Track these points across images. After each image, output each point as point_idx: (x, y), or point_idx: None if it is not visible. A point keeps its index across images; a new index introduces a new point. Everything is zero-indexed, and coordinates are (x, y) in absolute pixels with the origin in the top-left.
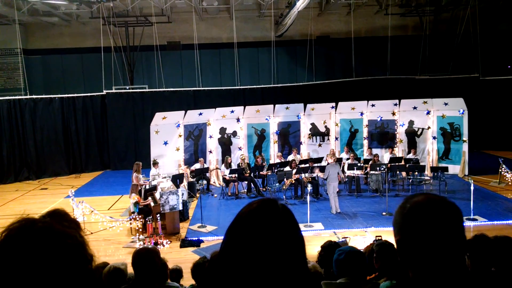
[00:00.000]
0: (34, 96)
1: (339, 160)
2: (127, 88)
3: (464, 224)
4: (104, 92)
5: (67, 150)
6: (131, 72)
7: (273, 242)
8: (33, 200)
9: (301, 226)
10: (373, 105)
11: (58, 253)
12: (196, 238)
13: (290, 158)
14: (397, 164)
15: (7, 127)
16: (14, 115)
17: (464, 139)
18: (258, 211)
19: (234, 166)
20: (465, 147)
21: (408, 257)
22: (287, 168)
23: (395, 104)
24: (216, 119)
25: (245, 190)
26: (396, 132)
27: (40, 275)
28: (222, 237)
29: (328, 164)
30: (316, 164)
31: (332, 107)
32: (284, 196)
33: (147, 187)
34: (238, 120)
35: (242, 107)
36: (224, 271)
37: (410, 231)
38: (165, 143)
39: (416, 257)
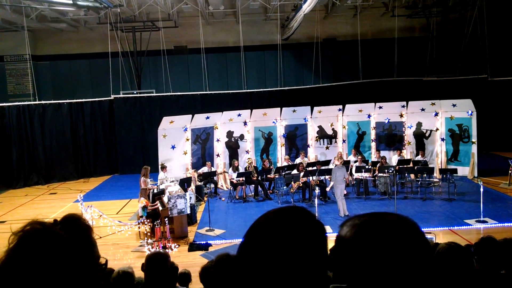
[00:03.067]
0: (43, 102)
1: (346, 163)
2: (135, 92)
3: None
4: (112, 97)
5: (75, 154)
6: (139, 77)
7: (296, 252)
8: (42, 204)
9: None
10: (380, 107)
11: (57, 258)
12: (204, 242)
13: (297, 161)
14: (405, 166)
15: (17, 132)
16: (23, 120)
17: (473, 140)
18: (287, 218)
19: (241, 170)
20: (474, 148)
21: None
22: (295, 171)
23: (403, 106)
24: (223, 123)
25: (253, 194)
26: (404, 134)
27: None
28: (230, 240)
29: (335, 166)
30: (323, 167)
31: (339, 110)
32: (292, 199)
33: (155, 191)
34: (245, 123)
35: (249, 110)
36: (240, 274)
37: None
38: (173, 147)
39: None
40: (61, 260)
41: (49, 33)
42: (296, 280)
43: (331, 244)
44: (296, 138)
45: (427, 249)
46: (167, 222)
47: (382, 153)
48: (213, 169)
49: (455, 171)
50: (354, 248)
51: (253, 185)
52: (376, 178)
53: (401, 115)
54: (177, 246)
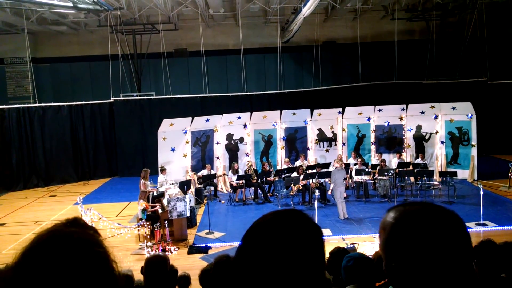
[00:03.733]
0: (43, 104)
1: (346, 166)
2: (135, 95)
3: (468, 230)
4: (112, 99)
5: (75, 157)
6: (139, 80)
7: (296, 255)
8: (42, 207)
9: None
10: (380, 110)
11: (88, 261)
12: (203, 245)
13: (297, 163)
14: (405, 169)
15: (16, 135)
16: (23, 123)
17: (473, 143)
18: (284, 220)
19: (241, 172)
20: (474, 151)
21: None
22: (294, 174)
23: (403, 109)
24: (223, 126)
25: (253, 196)
26: (403, 137)
27: (68, 283)
28: (230, 243)
29: (334, 169)
30: (323, 170)
31: (339, 112)
32: (291, 202)
33: (155, 193)
34: (245, 126)
35: (249, 113)
36: (238, 277)
37: (402, 239)
38: (173, 149)
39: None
40: (78, 266)
41: (49, 36)
42: (293, 282)
43: (331, 247)
44: (296, 141)
45: (464, 237)
46: (166, 224)
47: (382, 156)
48: (213, 172)
49: (455, 174)
50: (395, 232)
51: (253, 188)
52: (376, 181)
53: (401, 118)
54: (176, 249)
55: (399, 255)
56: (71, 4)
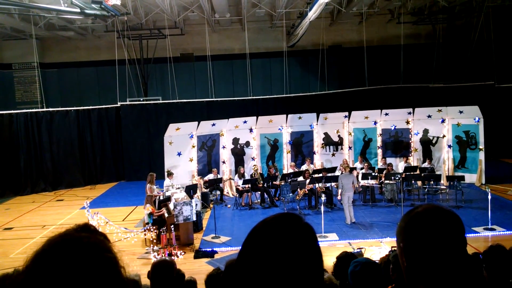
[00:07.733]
0: (50, 109)
1: (352, 170)
2: (141, 100)
3: (466, 235)
4: (119, 104)
5: (82, 161)
6: (145, 84)
7: (292, 257)
8: (49, 211)
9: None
10: (386, 114)
11: (98, 266)
12: (210, 249)
13: (303, 168)
14: (412, 173)
15: (24, 139)
16: (31, 127)
17: (480, 147)
18: (280, 225)
19: (247, 177)
20: (481, 155)
21: (410, 264)
22: (301, 178)
23: (409, 113)
24: (229, 130)
25: (259, 201)
26: (410, 141)
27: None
28: (236, 248)
29: (341, 174)
30: (329, 174)
31: (345, 116)
32: (298, 206)
33: (161, 198)
34: (251, 130)
35: (255, 117)
36: (240, 282)
37: (413, 236)
38: (179, 154)
39: (417, 263)
40: (88, 271)
41: (57, 41)
42: (290, 285)
43: (337, 252)
44: (302, 145)
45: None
46: (173, 229)
47: (389, 160)
48: (219, 176)
49: (462, 178)
50: (402, 222)
51: (259, 192)
52: (382, 185)
53: (408, 122)
54: (182, 253)
55: (405, 238)
56: (78, 10)
